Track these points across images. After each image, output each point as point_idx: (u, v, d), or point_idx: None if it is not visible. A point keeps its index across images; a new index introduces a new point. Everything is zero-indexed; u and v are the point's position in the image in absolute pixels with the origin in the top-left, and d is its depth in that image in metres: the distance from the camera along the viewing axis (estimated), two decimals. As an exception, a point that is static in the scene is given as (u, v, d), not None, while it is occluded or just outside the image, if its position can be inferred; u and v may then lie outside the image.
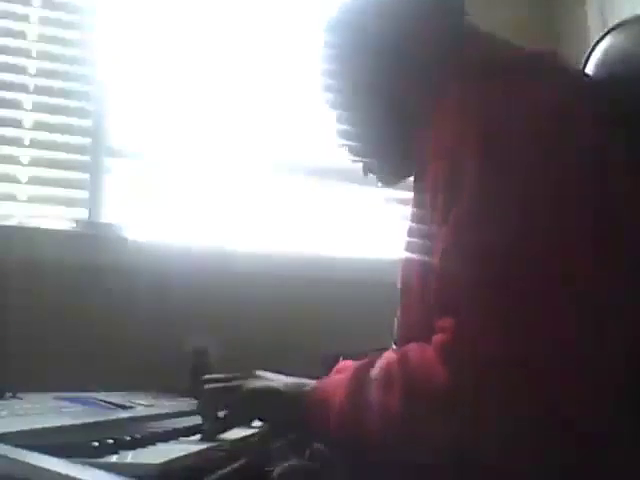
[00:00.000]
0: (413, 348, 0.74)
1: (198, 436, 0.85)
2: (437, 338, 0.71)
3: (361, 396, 0.74)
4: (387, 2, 0.95)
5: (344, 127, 1.01)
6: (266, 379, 0.89)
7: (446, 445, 0.67)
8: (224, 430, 0.86)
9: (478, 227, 0.72)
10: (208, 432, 0.85)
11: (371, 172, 1.04)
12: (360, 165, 1.04)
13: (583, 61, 0.97)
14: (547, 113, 0.76)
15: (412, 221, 0.86)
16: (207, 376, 0.93)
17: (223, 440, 0.84)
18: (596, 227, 0.72)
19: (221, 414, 0.87)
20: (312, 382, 0.86)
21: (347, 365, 0.96)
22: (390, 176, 1.04)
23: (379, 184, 1.07)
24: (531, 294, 0.68)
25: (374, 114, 0.96)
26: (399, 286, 0.86)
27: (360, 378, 0.76)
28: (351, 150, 1.02)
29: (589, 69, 0.96)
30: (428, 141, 0.82)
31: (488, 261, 0.70)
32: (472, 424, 0.66)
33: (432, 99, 0.84)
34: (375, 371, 0.75)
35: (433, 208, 0.77)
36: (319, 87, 1.02)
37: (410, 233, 0.85)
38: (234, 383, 0.89)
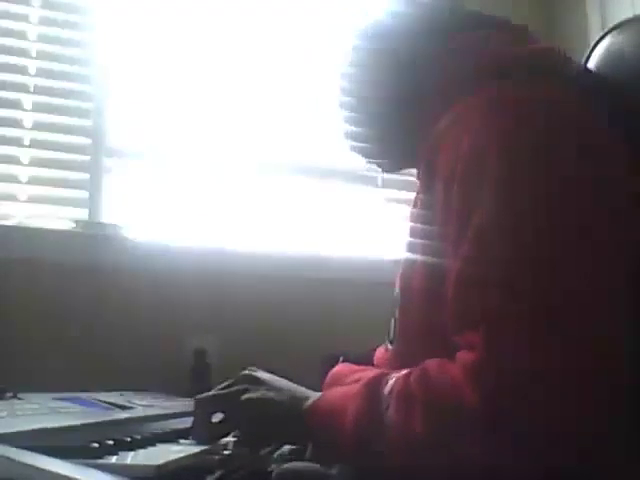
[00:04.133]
0: (433, 365, 0.70)
1: (189, 440, 0.82)
2: (463, 356, 0.67)
3: (376, 415, 0.70)
4: (407, 12, 0.96)
5: (351, 114, 1.00)
6: (264, 385, 0.84)
7: (473, 464, 0.65)
8: (218, 437, 0.83)
9: (505, 237, 0.69)
10: (201, 436, 0.82)
11: (373, 159, 1.04)
12: (363, 158, 1.04)
13: (583, 61, 0.97)
14: (559, 113, 0.76)
15: (416, 222, 0.84)
16: (199, 396, 0.88)
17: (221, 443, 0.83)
18: (617, 229, 0.71)
19: (215, 419, 0.84)
20: (313, 394, 0.81)
21: (342, 372, 0.96)
22: (392, 164, 1.04)
23: (380, 170, 1.08)
24: (565, 308, 0.65)
25: (384, 105, 0.96)
26: (398, 287, 0.85)
27: (373, 395, 0.72)
28: (356, 137, 1.01)
29: (589, 69, 0.96)
30: (438, 140, 0.81)
31: (518, 273, 0.67)
32: (504, 445, 0.63)
33: (444, 100, 0.84)
34: (389, 388, 0.71)
35: (445, 210, 0.75)
36: (337, 80, 1.02)
37: (413, 234, 0.84)
38: (231, 390, 0.85)
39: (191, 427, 0.86)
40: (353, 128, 1.01)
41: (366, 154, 1.03)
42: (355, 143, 1.02)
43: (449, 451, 0.66)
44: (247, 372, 0.89)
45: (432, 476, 0.68)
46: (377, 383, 0.73)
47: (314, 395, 0.81)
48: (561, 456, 0.64)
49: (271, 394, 0.83)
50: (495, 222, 0.70)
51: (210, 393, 0.87)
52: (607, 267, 0.69)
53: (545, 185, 0.71)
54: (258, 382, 0.86)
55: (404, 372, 0.72)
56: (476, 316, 0.68)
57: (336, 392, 0.80)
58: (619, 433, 0.66)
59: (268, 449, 0.89)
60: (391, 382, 0.72)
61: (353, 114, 1.00)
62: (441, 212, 0.76)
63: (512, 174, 0.72)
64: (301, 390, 0.84)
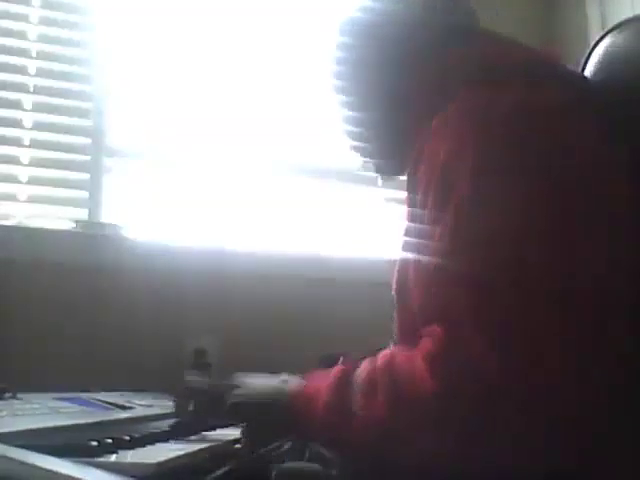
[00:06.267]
0: (399, 354, 0.73)
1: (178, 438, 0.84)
2: (425, 345, 0.69)
3: (344, 400, 0.73)
4: (398, 8, 0.96)
5: (350, 115, 1.01)
6: (247, 387, 0.87)
7: (430, 453, 0.67)
8: (205, 428, 0.87)
9: (467, 233, 0.71)
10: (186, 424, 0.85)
11: (369, 160, 1.05)
12: (361, 160, 1.05)
13: (583, 61, 0.97)
14: (546, 115, 0.76)
15: (405, 223, 0.85)
16: (190, 384, 0.92)
17: (222, 441, 0.84)
18: (594, 229, 0.71)
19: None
20: (294, 383, 0.84)
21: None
22: (389, 169, 1.05)
23: (378, 175, 1.08)
24: (523, 301, 0.67)
25: (381, 108, 0.97)
26: (394, 288, 0.86)
27: (344, 381, 0.75)
28: (354, 138, 1.03)
29: (589, 69, 0.96)
30: (424, 142, 0.81)
31: (478, 267, 0.69)
32: (456, 431, 0.65)
33: (435, 101, 0.84)
34: (359, 376, 0.74)
35: (423, 209, 0.77)
36: (329, 77, 1.03)
37: (404, 234, 0.85)
38: (217, 396, 0.87)
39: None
40: (352, 128, 1.01)
41: (365, 154, 1.04)
42: (355, 143, 1.03)
43: (407, 437, 0.68)
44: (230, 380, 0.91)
45: (394, 463, 0.69)
46: (349, 371, 0.76)
47: (293, 383, 0.83)
48: (514, 445, 0.65)
49: (253, 394, 0.85)
50: (459, 222, 0.72)
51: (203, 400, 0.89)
52: (577, 267, 0.70)
53: (517, 189, 0.71)
54: (241, 385, 0.87)
55: (374, 359, 0.75)
56: (438, 309, 0.70)
57: (314, 380, 0.82)
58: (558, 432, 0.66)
59: (271, 446, 0.90)
60: (361, 369, 0.75)
61: (350, 114, 1.01)
62: (421, 214, 0.78)
63: (484, 177, 0.72)
64: (282, 385, 0.85)
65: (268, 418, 0.82)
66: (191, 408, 0.88)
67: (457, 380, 0.65)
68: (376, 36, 0.96)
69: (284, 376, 0.86)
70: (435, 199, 0.75)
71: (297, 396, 0.81)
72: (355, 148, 1.04)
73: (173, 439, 0.80)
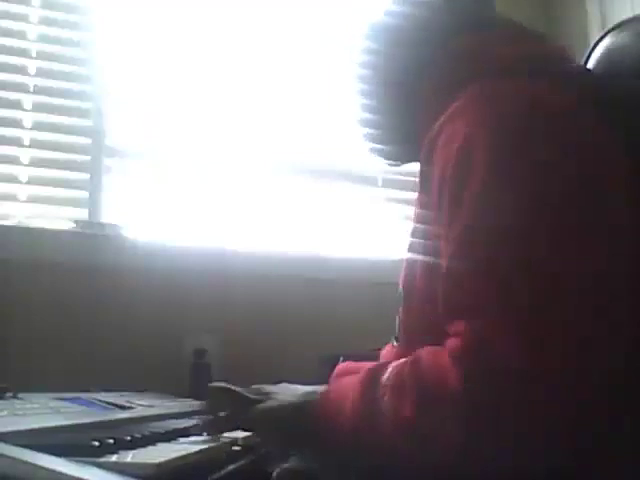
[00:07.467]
0: (426, 352, 0.72)
1: (197, 434, 0.84)
2: (451, 342, 0.69)
3: (373, 402, 0.72)
4: (412, 16, 0.97)
5: (364, 111, 1.02)
6: (280, 393, 0.87)
7: (458, 451, 0.66)
8: (226, 430, 0.86)
9: (488, 227, 0.71)
10: (210, 427, 0.85)
11: (379, 153, 1.05)
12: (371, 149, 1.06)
13: (583, 61, 0.98)
14: (553, 111, 0.76)
15: (416, 221, 0.85)
16: (222, 385, 0.92)
17: (223, 441, 0.84)
18: (594, 228, 0.72)
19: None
20: (320, 389, 0.83)
21: (347, 368, 0.97)
22: (397, 158, 1.06)
23: (384, 162, 1.09)
24: (546, 296, 0.67)
25: (390, 105, 0.97)
26: (401, 286, 0.86)
27: (371, 383, 0.74)
28: (367, 133, 1.03)
29: (589, 69, 0.96)
30: (433, 139, 0.81)
31: (501, 262, 0.69)
32: (485, 430, 0.64)
33: (448, 96, 0.84)
34: (386, 376, 0.73)
35: (439, 208, 0.77)
36: (348, 73, 1.03)
37: (414, 233, 0.85)
38: (250, 398, 0.87)
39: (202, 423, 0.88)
40: (365, 123, 1.02)
41: (377, 146, 1.04)
42: (367, 133, 1.03)
43: (435, 435, 0.67)
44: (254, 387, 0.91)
45: (423, 463, 0.69)
46: (377, 372, 0.75)
47: (321, 390, 0.83)
48: (541, 442, 0.64)
49: (281, 397, 0.85)
50: (480, 217, 0.72)
51: (223, 416, 0.89)
52: (592, 262, 0.69)
53: (531, 184, 0.71)
54: (266, 394, 0.88)
55: (402, 360, 0.74)
56: (462, 305, 0.70)
57: (341, 383, 0.82)
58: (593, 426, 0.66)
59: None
60: (389, 370, 0.74)
61: (362, 110, 1.01)
62: (435, 212, 0.77)
63: (498, 173, 0.72)
64: (307, 389, 0.86)
65: (291, 431, 0.82)
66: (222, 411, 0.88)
67: (480, 374, 0.65)
68: (386, 40, 0.97)
69: (311, 388, 0.86)
70: (450, 199, 0.74)
71: (323, 398, 0.80)
72: (368, 135, 1.04)
73: (174, 439, 0.80)
